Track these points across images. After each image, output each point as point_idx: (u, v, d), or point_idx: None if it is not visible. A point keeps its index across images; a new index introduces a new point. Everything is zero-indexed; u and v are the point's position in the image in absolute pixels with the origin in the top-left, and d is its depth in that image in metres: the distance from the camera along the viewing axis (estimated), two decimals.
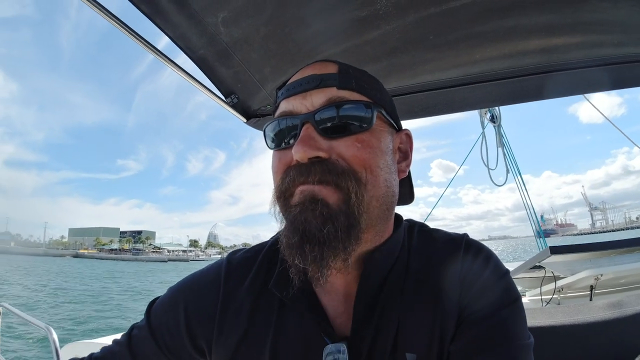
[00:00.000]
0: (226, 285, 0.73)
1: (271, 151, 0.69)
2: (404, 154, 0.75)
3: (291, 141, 0.64)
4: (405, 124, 0.75)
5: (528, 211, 6.13)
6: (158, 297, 0.78)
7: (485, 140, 5.54)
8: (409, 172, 0.76)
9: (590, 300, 2.89)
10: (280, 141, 0.66)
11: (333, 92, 0.63)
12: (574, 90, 1.51)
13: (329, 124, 0.62)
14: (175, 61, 1.24)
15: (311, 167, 0.59)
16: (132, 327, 0.76)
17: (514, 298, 0.65)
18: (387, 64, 1.30)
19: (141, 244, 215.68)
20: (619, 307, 1.32)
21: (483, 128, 5.65)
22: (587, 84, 1.45)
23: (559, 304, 3.20)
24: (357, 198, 0.59)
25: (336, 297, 0.67)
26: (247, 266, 0.75)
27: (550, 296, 3.21)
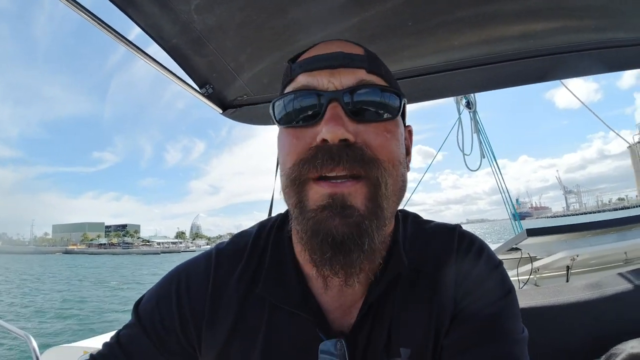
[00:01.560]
0: (215, 276, 0.70)
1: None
2: (407, 149, 0.72)
3: (310, 119, 0.58)
4: None
5: (503, 195, 6.30)
6: (143, 296, 0.74)
7: (462, 126, 5.66)
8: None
9: (567, 280, 2.98)
10: (297, 117, 0.60)
11: (363, 75, 0.60)
12: (552, 76, 1.52)
13: (357, 107, 0.58)
14: (147, 52, 1.18)
15: (342, 152, 0.55)
16: (119, 330, 0.71)
17: (508, 290, 0.65)
18: None
19: (130, 238, 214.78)
20: (598, 287, 1.35)
21: (459, 114, 5.75)
22: (565, 69, 1.46)
23: (535, 284, 3.30)
24: (386, 189, 0.56)
25: (331, 292, 0.65)
26: (235, 257, 0.72)
27: (527, 277, 3.30)
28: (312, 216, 0.55)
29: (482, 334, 0.60)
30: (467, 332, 0.60)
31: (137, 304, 0.73)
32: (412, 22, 1.18)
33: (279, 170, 0.64)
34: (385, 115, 0.60)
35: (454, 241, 0.68)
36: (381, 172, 0.56)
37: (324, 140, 0.55)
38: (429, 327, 0.62)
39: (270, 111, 0.63)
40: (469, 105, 5.77)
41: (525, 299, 1.37)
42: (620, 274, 1.42)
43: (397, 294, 0.64)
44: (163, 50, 1.23)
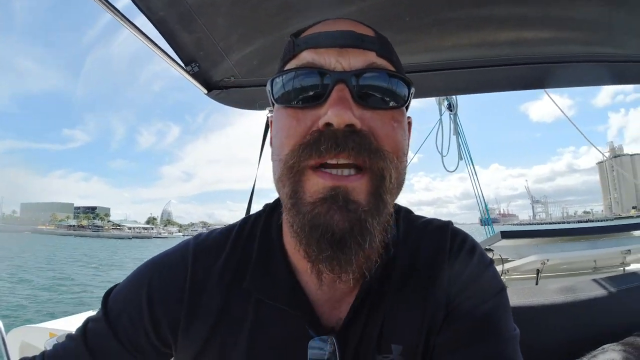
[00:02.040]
0: (194, 271, 0.65)
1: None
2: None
3: (313, 100, 0.54)
4: None
5: (478, 198, 6.45)
6: (113, 287, 0.69)
7: (442, 128, 5.74)
8: None
9: (537, 283, 3.07)
10: (298, 97, 0.55)
11: (373, 58, 0.56)
12: (539, 84, 1.55)
13: (365, 91, 0.54)
14: (134, 22, 1.13)
15: (348, 138, 0.51)
16: (87, 321, 0.66)
17: (500, 288, 0.64)
18: None
19: (100, 221, 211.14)
20: (572, 291, 1.39)
21: (440, 115, 5.82)
22: (552, 79, 1.49)
23: (506, 286, 3.39)
24: (390, 183, 0.53)
25: (325, 284, 0.62)
26: (217, 249, 0.68)
27: None
28: (310, 209, 0.51)
29: (474, 333, 0.58)
30: (459, 331, 0.59)
31: (107, 295, 0.68)
32: (409, 17, 1.17)
33: (272, 156, 0.60)
34: (393, 103, 0.56)
35: (446, 239, 0.67)
36: (387, 164, 0.53)
37: (328, 125, 0.51)
38: (422, 325, 0.60)
39: (268, 88, 0.59)
40: (450, 107, 5.85)
41: None
42: (594, 280, 1.47)
43: (390, 291, 0.63)
44: (150, 23, 1.18)
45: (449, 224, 0.71)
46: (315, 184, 0.52)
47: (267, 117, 0.67)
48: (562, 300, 1.34)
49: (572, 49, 1.33)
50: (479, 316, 0.59)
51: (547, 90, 1.78)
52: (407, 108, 0.63)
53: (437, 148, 5.65)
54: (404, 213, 0.73)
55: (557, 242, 3.08)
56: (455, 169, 5.94)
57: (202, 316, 0.62)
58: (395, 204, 0.71)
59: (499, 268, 3.38)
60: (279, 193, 0.58)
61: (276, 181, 0.57)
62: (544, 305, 1.33)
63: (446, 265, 0.64)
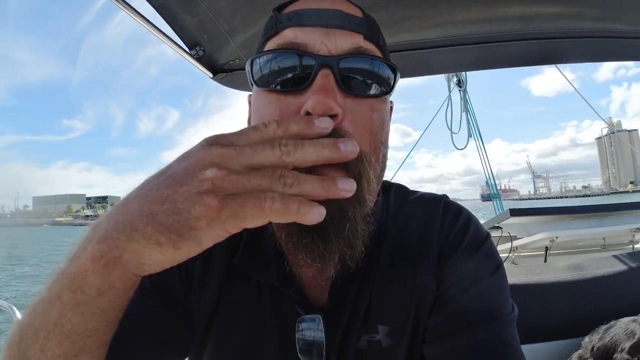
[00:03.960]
0: None
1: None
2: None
3: (296, 84, 0.50)
4: None
5: (487, 175, 6.41)
6: None
7: (451, 105, 5.66)
8: None
9: (545, 261, 3.08)
10: (279, 80, 0.52)
11: (359, 41, 0.52)
12: (548, 60, 1.53)
13: (350, 77, 0.51)
14: (135, 7, 1.12)
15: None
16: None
17: (496, 265, 0.60)
18: None
19: None
20: (579, 269, 1.40)
21: (449, 92, 5.73)
22: (561, 54, 1.47)
23: (514, 263, 3.42)
24: (368, 185, 0.50)
25: (313, 269, 0.60)
26: None
27: (507, 255, 3.41)
28: None
29: (468, 317, 0.55)
30: (453, 314, 0.56)
31: None
32: None
33: None
34: (378, 91, 0.54)
35: (438, 212, 0.64)
36: (364, 166, 0.49)
37: (308, 113, 0.48)
38: (410, 305, 0.58)
39: (247, 68, 0.55)
40: (459, 83, 5.75)
41: (507, 276, 1.41)
42: (601, 259, 1.47)
43: (379, 269, 0.61)
44: (153, 8, 1.17)
45: (443, 197, 0.67)
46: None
47: (248, 98, 0.64)
48: (570, 278, 1.35)
49: (581, 24, 1.30)
50: (473, 297, 0.56)
51: (557, 65, 1.75)
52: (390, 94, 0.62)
53: (447, 125, 5.58)
54: (395, 189, 0.70)
55: (566, 219, 3.07)
56: (465, 146, 5.90)
57: (209, 288, 0.62)
58: (386, 181, 0.70)
59: (507, 245, 3.40)
60: None
61: None
62: (551, 282, 1.34)
63: (437, 240, 0.61)
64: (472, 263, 0.59)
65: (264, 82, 0.53)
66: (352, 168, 0.48)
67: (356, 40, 0.52)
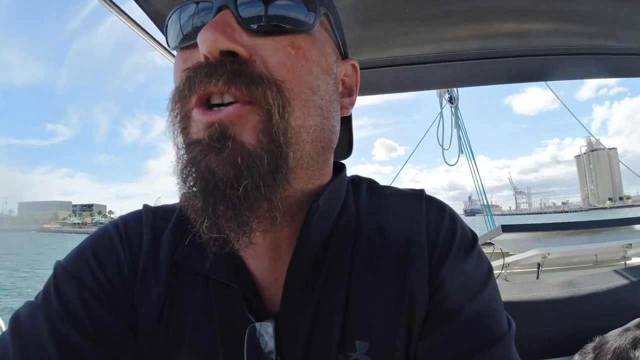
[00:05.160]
0: (153, 232, 0.56)
1: None
2: (349, 89, 0.58)
3: (194, 35, 0.45)
4: (358, 100, 0.60)
5: (478, 189, 6.47)
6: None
7: (442, 121, 5.75)
8: (350, 117, 0.61)
9: (537, 277, 3.08)
10: (185, 37, 0.47)
11: None
12: (541, 77, 1.55)
13: (254, 15, 0.44)
14: (127, 12, 1.12)
15: (220, 65, 0.41)
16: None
17: (488, 269, 0.54)
18: (360, 34, 1.24)
19: (103, 218, 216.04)
20: (572, 286, 1.39)
21: (441, 108, 5.83)
22: (554, 71, 1.48)
23: (506, 280, 3.41)
24: (282, 118, 0.42)
25: (264, 262, 0.52)
26: (166, 217, 0.59)
27: (499, 272, 3.40)
28: (182, 154, 0.44)
29: (472, 337, 0.48)
30: (451, 335, 0.48)
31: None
32: (410, 9, 1.15)
33: None
34: (293, 26, 0.45)
35: (421, 208, 0.56)
36: (274, 94, 0.42)
37: (207, 58, 0.43)
38: (396, 317, 0.49)
39: (164, 36, 0.51)
40: (451, 100, 5.86)
41: (500, 293, 1.39)
42: (594, 275, 1.47)
43: (354, 271, 0.51)
44: (147, 16, 1.17)
45: (422, 191, 0.59)
46: (194, 124, 0.43)
47: None
48: (563, 295, 1.34)
49: (574, 41, 1.32)
50: (473, 313, 0.49)
51: (547, 82, 1.78)
52: (341, 43, 0.55)
53: (438, 141, 5.65)
54: (366, 184, 0.63)
55: (558, 236, 3.08)
56: (457, 162, 5.96)
57: (153, 287, 0.53)
58: (355, 175, 0.64)
59: (499, 262, 3.39)
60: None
61: (170, 130, 0.47)
62: (544, 299, 1.33)
63: (425, 239, 0.53)
64: (466, 270, 0.52)
65: (174, 42, 0.49)
66: (257, 94, 0.41)
67: None
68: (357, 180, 0.63)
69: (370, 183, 0.63)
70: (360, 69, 0.61)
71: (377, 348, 0.48)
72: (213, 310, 0.51)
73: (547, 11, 1.16)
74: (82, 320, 0.47)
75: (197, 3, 0.46)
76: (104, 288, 0.51)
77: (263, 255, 0.52)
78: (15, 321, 0.47)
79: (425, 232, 0.53)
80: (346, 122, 0.63)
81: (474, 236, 0.56)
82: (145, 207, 0.61)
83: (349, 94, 0.58)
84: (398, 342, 0.49)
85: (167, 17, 0.50)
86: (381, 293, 0.50)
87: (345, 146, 0.66)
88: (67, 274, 0.51)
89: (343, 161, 0.64)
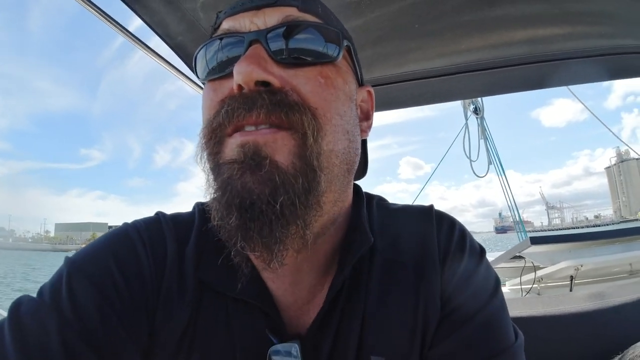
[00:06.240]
0: (154, 254, 0.53)
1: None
2: (366, 114, 0.61)
3: (226, 68, 0.49)
4: (377, 116, 0.64)
5: (509, 202, 6.27)
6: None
7: (468, 132, 5.65)
8: (365, 140, 0.64)
9: (571, 290, 2.95)
10: (217, 68, 0.50)
11: (293, 13, 0.50)
12: (558, 82, 1.52)
13: (284, 48, 0.47)
14: (150, 46, 1.19)
15: (258, 95, 0.45)
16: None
17: (495, 281, 0.56)
18: (371, 53, 1.27)
19: None
20: (601, 298, 1.34)
21: (466, 119, 5.74)
22: (571, 75, 1.45)
23: (538, 294, 3.28)
24: (316, 142, 0.45)
25: (284, 283, 0.53)
26: (187, 229, 0.57)
27: (530, 286, 3.28)
28: (216, 175, 0.46)
29: (477, 345, 0.50)
30: (460, 343, 0.50)
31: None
32: (419, 25, 1.17)
33: None
34: (320, 59, 0.49)
35: (432, 225, 0.58)
36: (309, 120, 0.45)
37: (240, 88, 0.46)
38: (412, 331, 0.51)
39: (194, 67, 0.55)
40: (476, 110, 5.77)
41: (527, 308, 1.35)
42: (624, 285, 1.41)
43: (371, 289, 0.53)
44: (170, 49, 1.24)
45: (431, 207, 0.62)
46: (229, 148, 0.46)
47: None
48: (590, 308, 1.29)
49: (590, 43, 1.30)
50: (482, 322, 0.51)
51: (574, 92, 1.74)
52: (358, 71, 0.58)
53: (465, 153, 5.55)
54: (376, 201, 0.65)
55: (591, 246, 2.96)
56: (486, 174, 5.84)
57: (178, 309, 0.51)
58: (366, 192, 0.65)
59: (530, 276, 3.28)
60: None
61: (202, 153, 0.50)
62: (570, 313, 1.29)
63: (437, 256, 0.55)
64: (475, 283, 0.54)
65: (204, 74, 0.52)
66: (295, 120, 0.44)
67: (288, 13, 0.50)
68: (368, 197, 0.65)
69: (380, 200, 0.66)
70: (375, 85, 0.63)
71: None
72: (234, 330, 0.51)
73: (557, 15, 1.15)
74: (98, 338, 0.44)
75: (226, 38, 0.50)
76: (124, 302, 0.48)
77: (284, 277, 0.53)
78: (16, 318, 0.44)
79: (437, 247, 0.56)
80: (363, 144, 0.66)
81: (481, 249, 0.59)
82: (162, 214, 0.60)
83: (366, 118, 0.62)
84: (413, 356, 0.51)
85: (197, 51, 0.53)
86: (396, 309, 0.52)
87: (361, 167, 0.68)
88: (83, 276, 0.48)
89: (358, 181, 0.66)
